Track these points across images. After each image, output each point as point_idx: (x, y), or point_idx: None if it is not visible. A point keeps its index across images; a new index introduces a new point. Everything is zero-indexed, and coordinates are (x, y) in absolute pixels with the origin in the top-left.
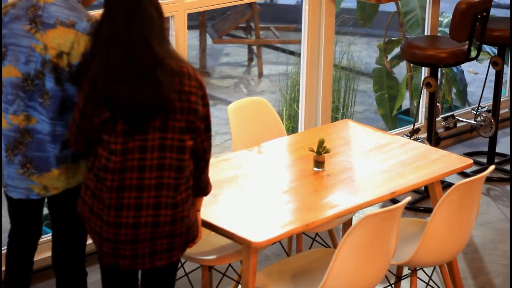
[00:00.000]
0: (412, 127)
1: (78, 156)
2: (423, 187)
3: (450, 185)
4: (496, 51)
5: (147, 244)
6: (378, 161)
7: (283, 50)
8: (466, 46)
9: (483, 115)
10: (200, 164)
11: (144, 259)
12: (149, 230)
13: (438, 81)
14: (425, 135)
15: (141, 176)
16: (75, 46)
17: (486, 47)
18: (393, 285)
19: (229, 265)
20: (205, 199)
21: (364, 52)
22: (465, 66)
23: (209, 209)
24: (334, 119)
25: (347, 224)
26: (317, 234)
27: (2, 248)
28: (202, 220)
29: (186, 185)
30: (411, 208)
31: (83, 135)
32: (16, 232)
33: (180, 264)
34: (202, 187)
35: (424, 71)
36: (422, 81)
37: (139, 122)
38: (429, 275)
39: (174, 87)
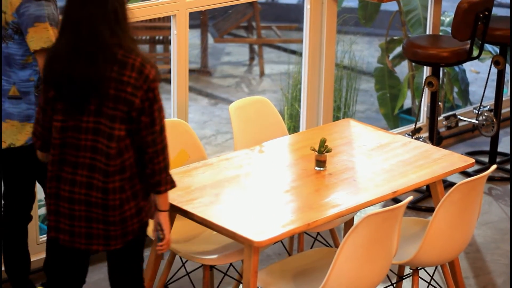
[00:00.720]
0: (413, 126)
1: (24, 116)
2: (424, 187)
3: (451, 184)
4: (498, 50)
5: (83, 223)
6: (380, 161)
7: (285, 49)
8: (468, 45)
9: (485, 114)
10: (144, 158)
11: (80, 238)
12: (83, 207)
13: (440, 80)
14: (426, 134)
15: (76, 154)
16: (8, 5)
17: (488, 46)
18: (394, 285)
19: (230, 264)
20: (207, 199)
21: (366, 51)
22: (467, 65)
23: (211, 209)
24: (336, 118)
25: (349, 223)
26: (318, 233)
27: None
28: (203, 219)
29: (121, 175)
30: (413, 207)
31: (46, 131)
32: None
33: (181, 264)
34: (152, 183)
35: (426, 70)
36: (423, 80)
37: (75, 102)
38: (431, 274)
39: (110, 74)
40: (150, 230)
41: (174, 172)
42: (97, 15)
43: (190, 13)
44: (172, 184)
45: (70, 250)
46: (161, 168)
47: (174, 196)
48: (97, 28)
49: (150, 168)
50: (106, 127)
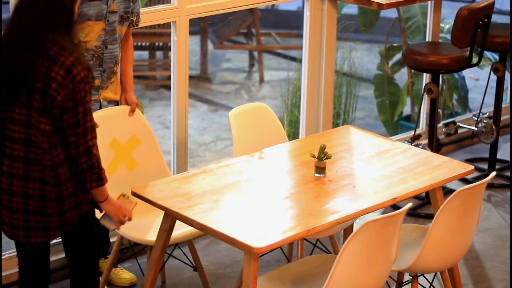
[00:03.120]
0: (413, 133)
1: None
2: (424, 193)
3: (451, 191)
4: (497, 57)
5: (21, 216)
6: (379, 167)
7: (284, 56)
8: (468, 52)
9: (484, 121)
10: (70, 156)
11: (19, 230)
12: (20, 200)
13: (439, 87)
14: (426, 141)
15: (11, 146)
16: None
17: (487, 54)
18: None
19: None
20: (206, 205)
21: (365, 58)
22: (466, 73)
23: (211, 215)
24: (335, 125)
25: (348, 230)
26: (318, 240)
27: (3, 254)
28: (203, 225)
29: (54, 171)
30: (412, 214)
31: None
32: None
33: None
34: (79, 180)
35: (425, 77)
36: (423, 87)
37: (6, 92)
38: (430, 281)
39: (39, 68)
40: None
41: (174, 178)
42: (39, 9)
43: (190, 20)
44: (98, 183)
45: (18, 243)
46: (84, 168)
47: (174, 202)
48: (34, 22)
49: (75, 167)
50: (35, 120)
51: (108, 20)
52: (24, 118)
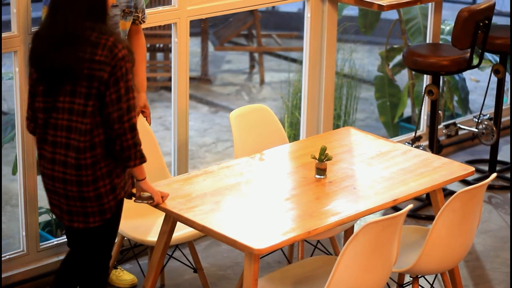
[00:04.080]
0: (413, 134)
1: None
2: (424, 195)
3: (452, 192)
4: (498, 59)
5: (63, 200)
6: (380, 169)
7: (285, 58)
8: (468, 54)
9: (485, 123)
10: (112, 135)
11: (65, 214)
12: (61, 185)
13: (440, 89)
14: (426, 142)
15: (54, 133)
16: None
17: (488, 55)
18: None
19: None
20: (207, 206)
21: (366, 59)
22: (467, 74)
23: (211, 216)
24: (336, 126)
25: (349, 231)
26: (318, 241)
27: (3, 255)
28: (203, 226)
29: (92, 151)
30: (413, 215)
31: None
32: None
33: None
34: (122, 159)
35: (426, 79)
36: (423, 88)
37: (52, 84)
38: (431, 283)
39: (83, 56)
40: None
41: (175, 179)
42: (73, 2)
43: (191, 21)
44: (141, 159)
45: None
46: (129, 145)
47: (174, 204)
48: (70, 15)
49: (118, 145)
50: (80, 105)
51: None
52: (68, 105)
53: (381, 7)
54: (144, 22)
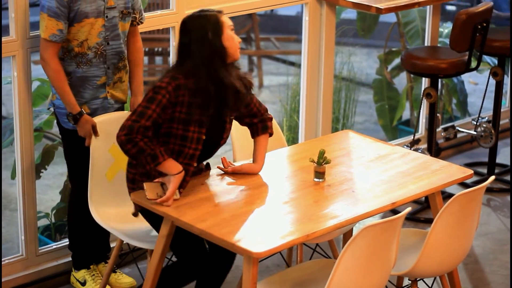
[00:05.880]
0: (412, 137)
1: None
2: (423, 198)
3: (450, 195)
4: (496, 61)
5: None
6: (379, 172)
7: (283, 61)
8: (466, 57)
9: (483, 125)
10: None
11: None
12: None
13: (439, 92)
14: (425, 145)
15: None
16: None
17: (486, 58)
18: None
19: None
20: (206, 210)
21: (365, 62)
22: (465, 77)
23: (210, 220)
24: (334, 129)
25: (348, 234)
26: (317, 244)
27: (2, 260)
28: (202, 230)
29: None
30: (412, 218)
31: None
32: None
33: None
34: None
35: (424, 82)
36: (422, 91)
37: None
38: (430, 285)
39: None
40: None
41: None
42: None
43: None
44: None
45: None
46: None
47: (173, 207)
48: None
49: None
50: None
51: (107, 16)
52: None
53: (379, 10)
54: (142, 23)
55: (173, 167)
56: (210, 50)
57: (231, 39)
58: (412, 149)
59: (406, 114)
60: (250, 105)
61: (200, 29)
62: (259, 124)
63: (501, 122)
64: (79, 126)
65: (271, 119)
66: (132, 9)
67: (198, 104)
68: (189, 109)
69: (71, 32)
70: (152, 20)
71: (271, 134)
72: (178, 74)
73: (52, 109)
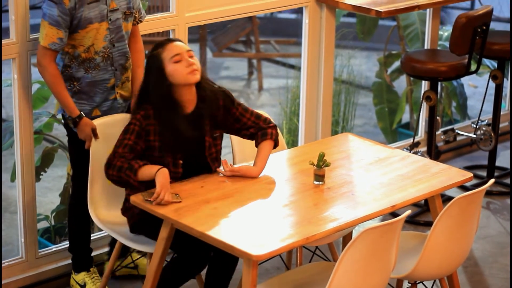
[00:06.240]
0: (412, 140)
1: None
2: (423, 201)
3: (450, 198)
4: (496, 64)
5: None
6: (378, 175)
7: (283, 64)
8: (466, 60)
9: (483, 128)
10: None
11: None
12: None
13: (438, 95)
14: (425, 148)
15: None
16: None
17: (486, 61)
18: None
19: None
20: (205, 212)
21: (364, 65)
22: (465, 80)
23: (209, 222)
24: (334, 132)
25: (347, 237)
26: (317, 247)
27: (2, 262)
28: (202, 233)
29: None
30: (411, 221)
31: None
32: None
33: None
34: None
35: (424, 85)
36: (422, 94)
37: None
38: None
39: None
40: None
41: (173, 185)
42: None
43: (189, 28)
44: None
45: None
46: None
47: (172, 210)
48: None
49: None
50: None
51: (110, 19)
52: None
53: (379, 13)
54: (141, 21)
55: (151, 168)
56: (159, 95)
57: (176, 71)
58: (411, 152)
59: (405, 117)
60: (243, 120)
61: (147, 74)
62: (258, 133)
63: (500, 125)
64: (79, 130)
65: (272, 127)
66: (133, 8)
67: (168, 134)
68: (161, 137)
69: (76, 39)
70: (152, 23)
71: (276, 143)
72: (147, 104)
73: (61, 115)
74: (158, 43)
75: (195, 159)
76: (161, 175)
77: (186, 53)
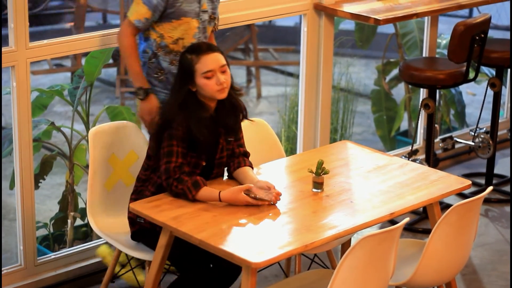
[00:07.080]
0: (410, 148)
1: None
2: (421, 208)
3: (448, 206)
4: (494, 72)
5: None
6: (377, 182)
7: (282, 72)
8: (464, 68)
9: (481, 136)
10: None
11: None
12: None
13: (436, 103)
14: (423, 156)
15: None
16: None
17: (484, 69)
18: None
19: None
20: (204, 220)
21: (363, 73)
22: (463, 88)
23: (208, 230)
24: (333, 140)
25: (346, 245)
26: (315, 255)
27: (3, 269)
28: (200, 240)
29: None
30: (410, 229)
31: None
32: None
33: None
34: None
35: (422, 93)
36: (420, 102)
37: None
38: None
39: None
40: None
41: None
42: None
43: None
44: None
45: None
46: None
47: (171, 218)
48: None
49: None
50: None
51: (201, 19)
52: None
53: (378, 21)
54: (217, 30)
55: (212, 192)
56: (183, 95)
57: (206, 85)
58: (410, 159)
59: (404, 125)
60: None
61: (178, 74)
62: (235, 160)
63: (499, 133)
64: (146, 102)
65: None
66: (215, 14)
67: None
68: (190, 137)
69: (166, 28)
70: None
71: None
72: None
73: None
74: (196, 46)
75: (206, 161)
76: (228, 195)
77: (219, 69)
